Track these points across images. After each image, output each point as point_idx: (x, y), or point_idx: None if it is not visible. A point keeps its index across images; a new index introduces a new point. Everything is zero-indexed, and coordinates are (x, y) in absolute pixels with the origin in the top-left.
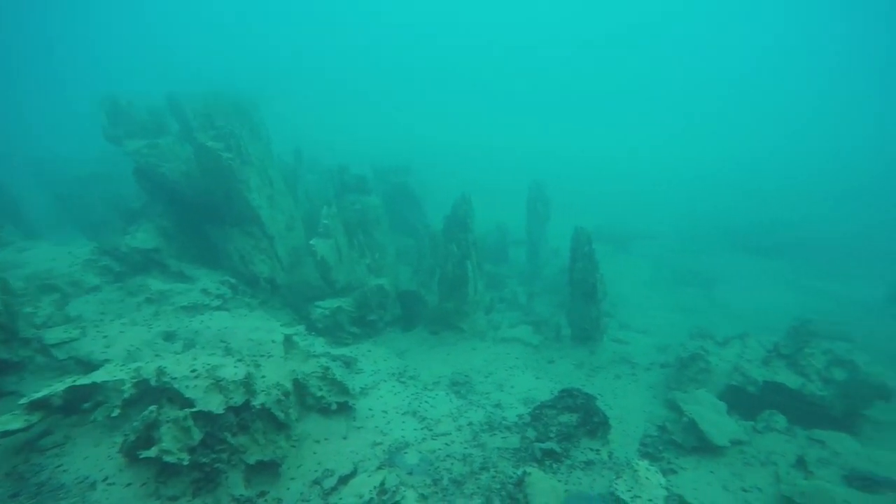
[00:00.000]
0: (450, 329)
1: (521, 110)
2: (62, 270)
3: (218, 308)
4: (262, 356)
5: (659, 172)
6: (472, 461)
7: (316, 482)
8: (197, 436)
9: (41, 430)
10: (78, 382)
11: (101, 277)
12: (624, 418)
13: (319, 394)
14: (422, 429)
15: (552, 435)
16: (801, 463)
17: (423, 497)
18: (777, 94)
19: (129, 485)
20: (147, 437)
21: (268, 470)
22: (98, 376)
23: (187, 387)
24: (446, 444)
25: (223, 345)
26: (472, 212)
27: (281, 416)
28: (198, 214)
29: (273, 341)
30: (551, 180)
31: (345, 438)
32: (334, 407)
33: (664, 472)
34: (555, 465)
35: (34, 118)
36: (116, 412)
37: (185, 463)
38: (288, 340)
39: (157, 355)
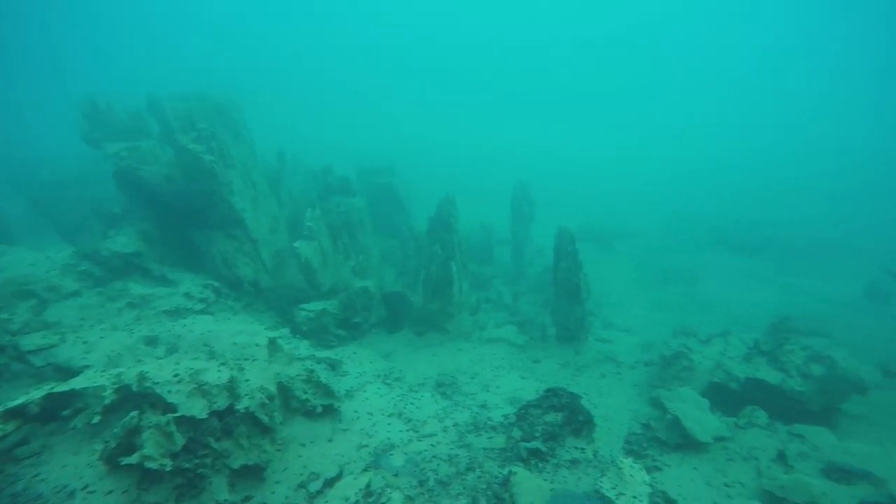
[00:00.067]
0: (435, 330)
1: (521, 110)
2: (39, 276)
3: (201, 312)
4: (246, 360)
5: (655, 172)
6: (458, 462)
7: (301, 485)
8: (180, 441)
9: (17, 440)
10: (56, 389)
11: (80, 282)
12: (609, 417)
13: (304, 397)
14: (407, 430)
15: (538, 434)
16: (781, 457)
17: (410, 498)
18: (776, 94)
19: (109, 492)
20: (128, 443)
21: (252, 474)
22: (77, 383)
23: (170, 392)
24: (432, 445)
25: (206, 349)
26: (456, 212)
27: (265, 419)
28: (180, 218)
29: (257, 345)
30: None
31: (330, 441)
32: (319, 410)
33: (648, 470)
34: (540, 465)
35: (2, 118)
36: (97, 419)
37: (168, 469)
38: (272, 343)
39: (138, 360)
